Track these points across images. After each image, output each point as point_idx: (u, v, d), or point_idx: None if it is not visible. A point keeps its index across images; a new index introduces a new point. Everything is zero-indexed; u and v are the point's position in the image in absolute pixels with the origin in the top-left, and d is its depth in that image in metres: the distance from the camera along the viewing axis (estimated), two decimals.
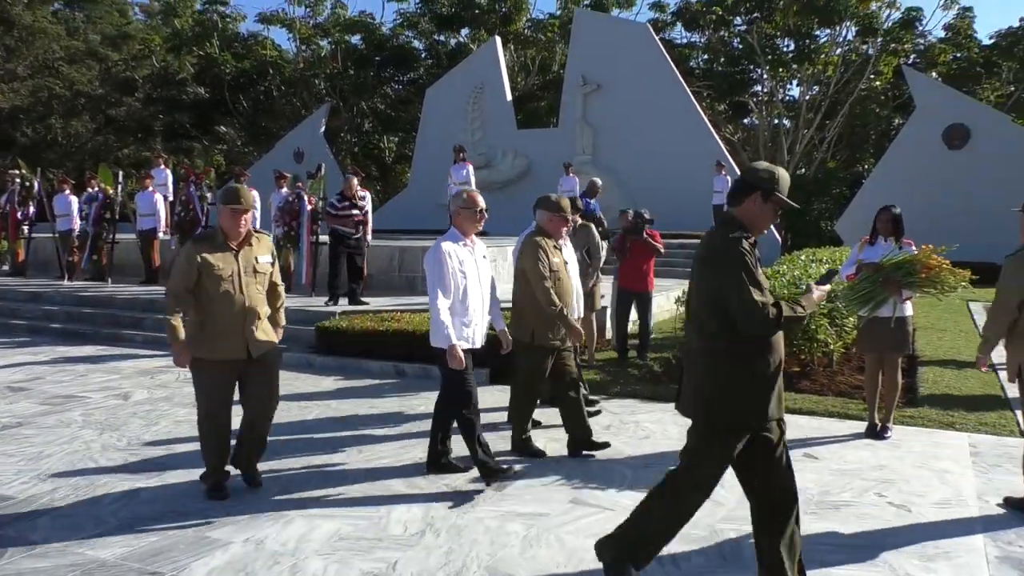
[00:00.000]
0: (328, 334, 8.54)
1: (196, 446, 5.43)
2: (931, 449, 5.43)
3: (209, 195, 12.45)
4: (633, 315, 8.52)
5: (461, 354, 4.57)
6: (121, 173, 14.85)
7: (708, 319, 3.11)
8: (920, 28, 28.67)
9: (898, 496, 4.53)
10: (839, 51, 27.94)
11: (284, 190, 12.15)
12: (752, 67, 28.35)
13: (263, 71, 32.64)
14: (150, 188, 13.24)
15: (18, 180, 13.95)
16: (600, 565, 3.33)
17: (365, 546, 3.86)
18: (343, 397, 7.00)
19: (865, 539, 3.94)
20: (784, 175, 3.22)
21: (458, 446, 4.94)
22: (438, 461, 4.94)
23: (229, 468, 4.59)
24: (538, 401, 5.51)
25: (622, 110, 20.81)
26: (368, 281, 11.65)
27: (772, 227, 20.10)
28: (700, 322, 3.17)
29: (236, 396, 4.52)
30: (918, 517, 4.23)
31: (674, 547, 3.82)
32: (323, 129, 27.15)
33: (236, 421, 4.61)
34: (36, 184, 14.42)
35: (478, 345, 4.82)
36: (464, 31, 32.67)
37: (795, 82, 29.57)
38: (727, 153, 20.48)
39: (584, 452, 5.29)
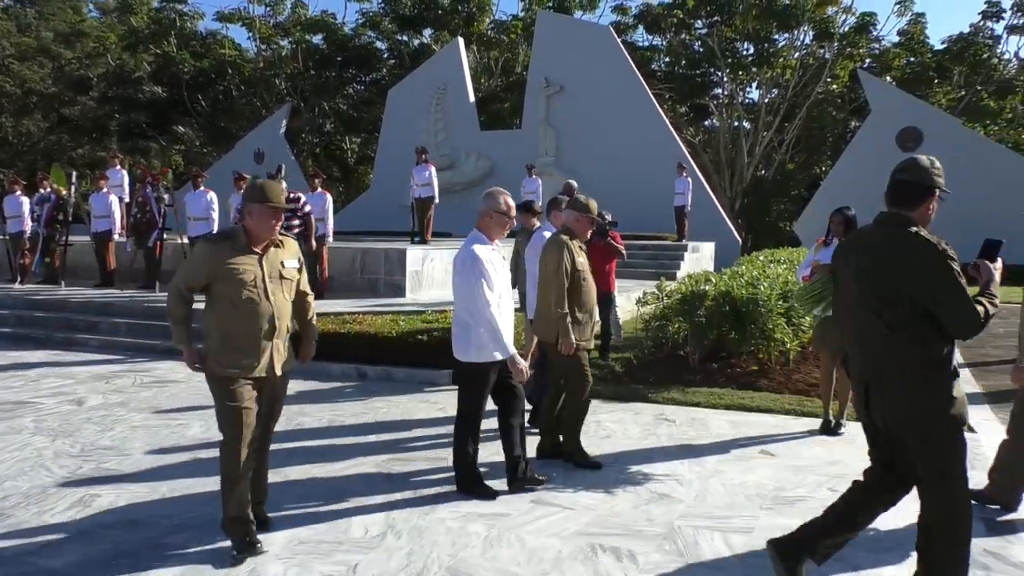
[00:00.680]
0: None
1: (153, 453, 5.38)
2: None
3: (166, 196, 12.25)
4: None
5: (523, 363, 4.41)
6: (75, 173, 14.55)
7: (900, 323, 2.97)
8: (875, 33, 29.34)
9: None
10: (797, 55, 28.45)
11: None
12: (712, 70, 28.74)
13: (222, 70, 32.19)
14: (105, 189, 12.98)
15: None
16: (558, 564, 3.35)
17: (325, 549, 3.84)
18: (303, 399, 6.94)
19: None
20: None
21: (451, 452, 4.93)
22: (520, 474, 4.65)
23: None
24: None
25: (585, 112, 20.94)
26: (328, 283, 11.58)
27: (732, 227, 20.42)
28: (883, 327, 3.02)
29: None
30: None
31: (632, 544, 3.87)
32: (284, 130, 26.89)
33: None
34: None
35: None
36: (427, 32, 32.58)
37: (754, 85, 30.06)
38: (688, 155, 20.72)
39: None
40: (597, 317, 5.61)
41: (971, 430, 5.89)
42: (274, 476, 4.90)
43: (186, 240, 12.16)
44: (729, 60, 27.54)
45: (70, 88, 33.18)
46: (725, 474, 4.94)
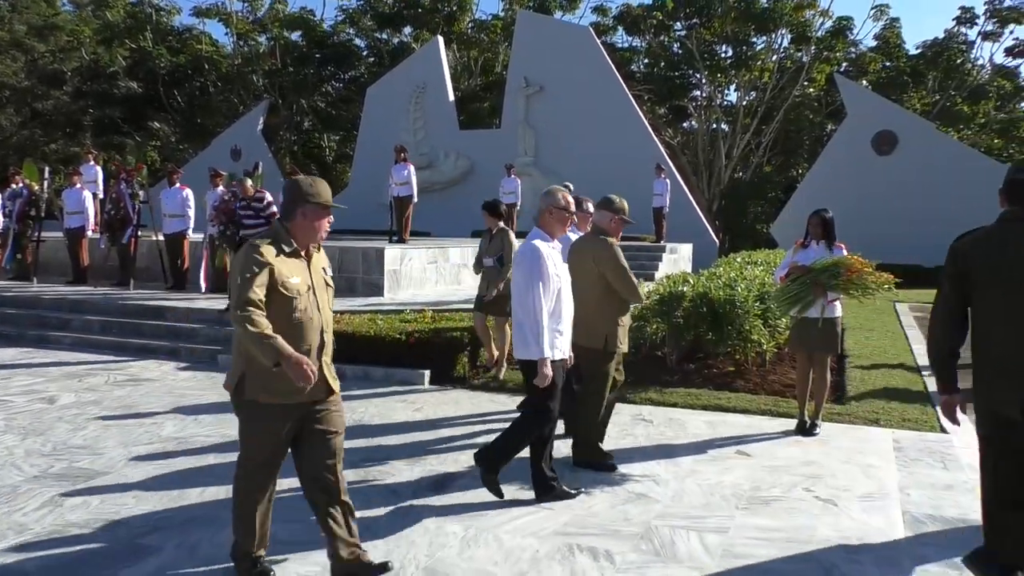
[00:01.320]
0: None
1: (126, 452, 5.32)
2: (857, 445, 5.63)
3: (141, 193, 12.11)
4: None
5: (549, 371, 4.25)
6: (47, 169, 14.32)
7: None
8: (851, 37, 29.68)
9: (825, 491, 4.69)
10: (775, 58, 28.72)
11: (220, 188, 11.87)
12: (691, 72, 28.93)
13: (199, 66, 31.88)
14: (78, 185, 12.80)
15: None
16: (535, 564, 3.35)
17: (301, 549, 3.81)
18: None
19: (794, 532, 4.07)
20: None
21: (457, 459, 4.90)
22: (549, 486, 4.50)
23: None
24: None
25: (564, 112, 20.98)
26: None
27: (710, 229, 20.56)
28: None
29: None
30: (844, 510, 4.38)
31: (609, 544, 3.89)
32: (261, 127, 26.69)
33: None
34: None
35: (567, 355, 4.49)
36: (407, 30, 32.48)
37: (733, 87, 30.31)
38: (666, 156, 20.82)
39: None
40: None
41: (943, 430, 5.99)
42: None
43: (161, 237, 12.02)
44: (708, 62, 27.74)
45: (43, 82, 32.68)
46: (701, 474, 4.97)
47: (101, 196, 14.09)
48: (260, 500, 3.45)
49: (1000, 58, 30.31)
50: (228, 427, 5.93)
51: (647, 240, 17.62)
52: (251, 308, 3.10)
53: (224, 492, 4.54)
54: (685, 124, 32.70)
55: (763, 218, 26.74)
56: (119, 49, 32.61)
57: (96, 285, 11.80)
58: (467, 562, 3.70)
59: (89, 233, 12.62)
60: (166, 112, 32.30)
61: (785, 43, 28.94)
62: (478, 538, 3.96)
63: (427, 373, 7.53)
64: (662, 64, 29.74)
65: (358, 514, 4.25)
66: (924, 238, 19.09)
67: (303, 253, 3.33)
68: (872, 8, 29.76)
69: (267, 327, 3.07)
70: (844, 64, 29.97)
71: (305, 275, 3.31)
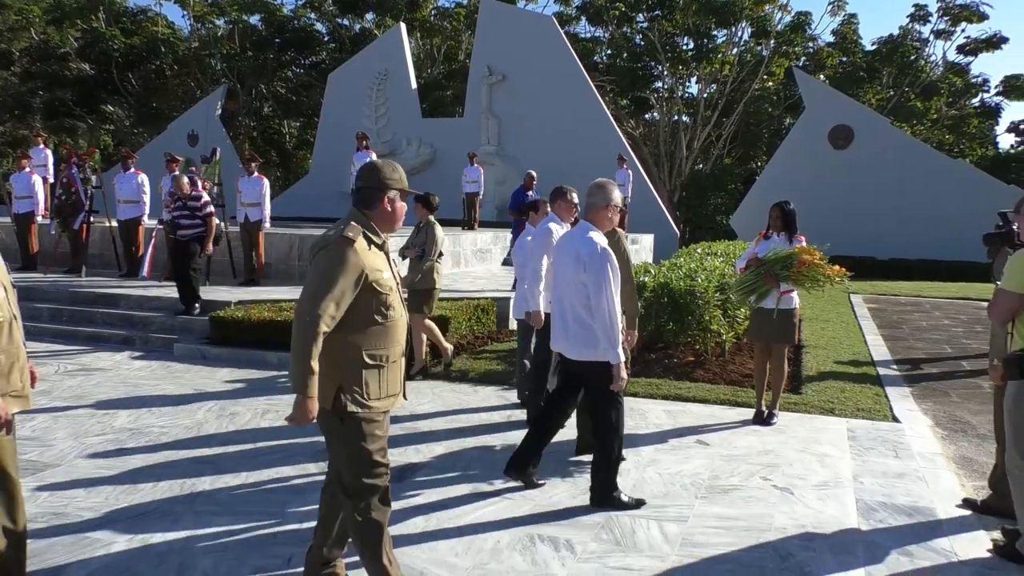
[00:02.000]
0: (223, 325, 8.25)
1: (77, 444, 5.18)
2: (813, 434, 5.73)
3: (93, 178, 11.79)
4: None
5: (625, 373, 4.14)
6: None
7: None
8: (809, 32, 30.08)
9: (782, 479, 4.76)
10: (735, 51, 29.00)
11: (176, 174, 11.63)
12: (653, 64, 29.06)
13: (154, 49, 31.10)
14: (27, 169, 12.43)
15: None
16: (496, 554, 3.34)
17: (259, 542, 3.76)
18: (238, 390, 6.78)
19: (751, 521, 4.12)
20: None
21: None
22: (526, 468, 4.46)
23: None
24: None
25: (527, 102, 20.95)
26: (265, 270, 11.34)
27: (671, 220, 20.73)
28: None
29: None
30: (800, 499, 4.46)
31: (569, 533, 3.90)
32: (219, 112, 26.19)
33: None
34: None
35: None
36: (369, 16, 32.10)
37: (694, 80, 30.51)
38: (628, 147, 20.93)
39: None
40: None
41: (895, 419, 6.12)
42: (205, 467, 4.79)
43: (115, 223, 11.74)
44: (669, 54, 27.90)
45: None
46: (662, 463, 5.01)
47: (52, 180, 13.71)
48: (386, 525, 3.08)
49: (952, 55, 31.03)
50: (184, 418, 5.82)
51: None
52: (325, 320, 2.79)
53: (179, 485, 4.46)
54: (647, 115, 32.87)
55: (723, 209, 27.03)
56: (70, 30, 31.67)
57: (46, 272, 11.48)
58: (428, 552, 3.68)
59: (39, 219, 12.28)
60: (120, 95, 31.48)
61: (745, 37, 29.26)
62: (439, 529, 3.95)
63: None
64: (624, 55, 29.83)
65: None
66: (878, 231, 19.53)
67: (380, 242, 3.03)
68: (829, 3, 30.22)
69: (317, 350, 2.79)
70: (802, 59, 30.40)
71: (390, 270, 3.03)
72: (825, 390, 6.98)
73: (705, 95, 29.85)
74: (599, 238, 4.18)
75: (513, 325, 9.11)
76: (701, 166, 30.43)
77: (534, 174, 13.27)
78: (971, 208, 17.79)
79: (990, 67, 72.95)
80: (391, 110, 22.88)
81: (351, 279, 2.82)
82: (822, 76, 28.74)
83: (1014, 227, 4.07)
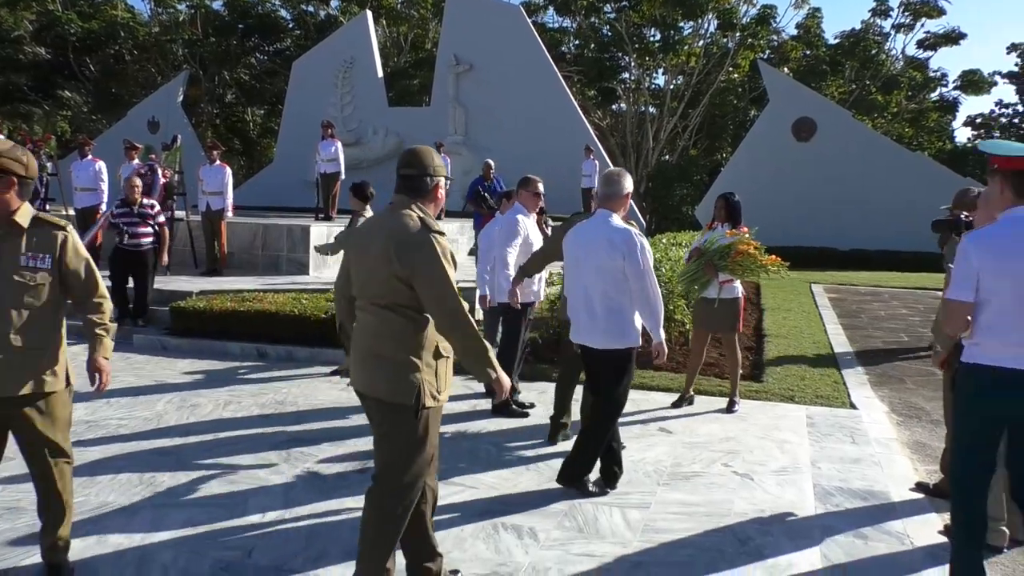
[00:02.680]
0: (184, 315, 8.13)
1: None
2: (773, 421, 5.83)
3: (49, 165, 11.53)
4: None
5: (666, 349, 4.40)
6: None
7: None
8: (774, 25, 30.38)
9: (743, 466, 4.84)
10: (701, 43, 29.18)
11: (135, 162, 11.41)
12: (620, 55, 29.13)
13: (113, 33, 30.37)
14: None
15: None
16: (459, 543, 3.35)
17: (220, 534, 3.72)
18: (199, 380, 6.70)
19: (712, 507, 4.18)
20: None
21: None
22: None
23: None
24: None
25: (494, 91, 20.88)
26: (228, 260, 11.19)
27: (636, 211, 20.86)
28: None
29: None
30: (759, 484, 4.53)
31: (533, 520, 3.92)
32: (181, 98, 25.68)
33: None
34: None
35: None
36: (334, 3, 31.74)
37: (660, 71, 30.67)
38: (595, 138, 20.98)
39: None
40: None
41: (853, 407, 6.25)
42: (165, 459, 4.72)
43: (72, 212, 11.49)
44: (636, 45, 27.98)
45: None
46: (625, 451, 5.05)
47: None
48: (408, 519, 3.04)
49: (912, 50, 31.58)
50: (142, 409, 5.73)
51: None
52: (469, 312, 2.87)
53: (138, 479, 4.39)
54: (614, 106, 32.97)
55: (689, 200, 27.21)
56: (24, 12, 30.80)
57: None
58: None
59: None
60: (77, 80, 30.72)
61: (712, 29, 29.45)
62: None
63: None
64: (592, 46, 29.85)
65: (280, 497, 4.18)
66: (839, 222, 19.82)
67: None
68: None
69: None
70: (767, 52, 30.69)
71: None
72: (786, 378, 7.09)
73: (671, 86, 30.02)
74: (626, 224, 4.25)
75: (480, 315, 9.12)
76: (667, 157, 30.62)
77: (492, 163, 13.25)
78: (930, 201, 18.07)
79: (949, 62, 74.53)
80: (357, 98, 22.64)
81: (452, 269, 2.85)
82: (786, 69, 29.04)
83: (963, 216, 4.20)
